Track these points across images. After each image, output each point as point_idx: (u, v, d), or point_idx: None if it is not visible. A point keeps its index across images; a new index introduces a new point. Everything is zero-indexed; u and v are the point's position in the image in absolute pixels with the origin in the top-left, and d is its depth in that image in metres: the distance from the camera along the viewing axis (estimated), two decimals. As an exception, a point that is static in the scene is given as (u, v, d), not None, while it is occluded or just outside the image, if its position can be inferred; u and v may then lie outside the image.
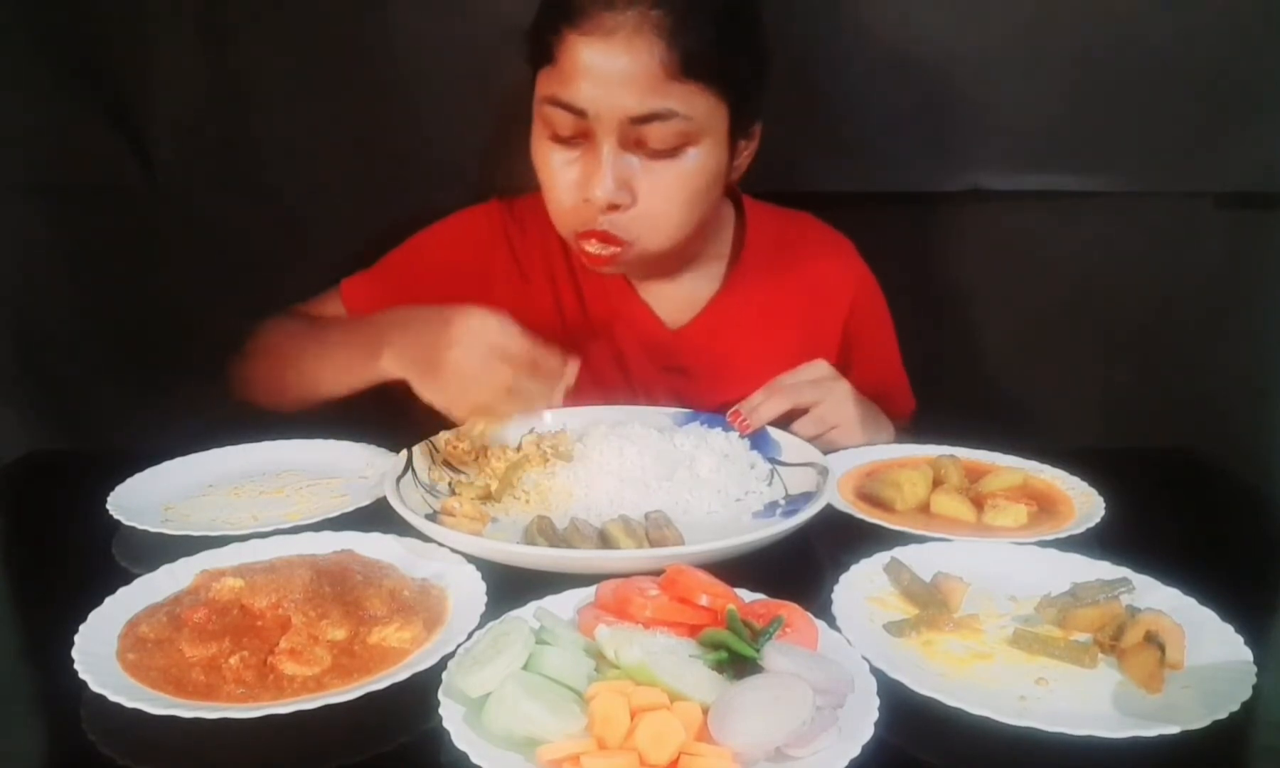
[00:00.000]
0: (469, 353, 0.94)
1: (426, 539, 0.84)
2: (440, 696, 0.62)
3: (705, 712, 0.59)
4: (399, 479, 0.94)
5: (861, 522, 0.92)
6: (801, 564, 0.87)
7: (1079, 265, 1.46)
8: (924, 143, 1.39)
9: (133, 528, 0.90)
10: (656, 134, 1.01)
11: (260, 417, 1.16)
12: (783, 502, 0.98)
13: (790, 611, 0.70)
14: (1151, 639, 0.69)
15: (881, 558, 0.83)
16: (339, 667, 0.68)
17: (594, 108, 1.00)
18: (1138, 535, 0.90)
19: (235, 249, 1.42)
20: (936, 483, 0.99)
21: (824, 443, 1.07)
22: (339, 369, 1.07)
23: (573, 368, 0.99)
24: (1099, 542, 0.88)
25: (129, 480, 1.00)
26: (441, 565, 0.82)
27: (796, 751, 0.57)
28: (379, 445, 1.09)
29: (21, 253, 1.41)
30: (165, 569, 0.80)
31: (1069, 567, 0.81)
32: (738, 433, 1.07)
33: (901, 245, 1.42)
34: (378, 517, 0.89)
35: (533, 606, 0.73)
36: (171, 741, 0.62)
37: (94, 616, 0.73)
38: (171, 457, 1.07)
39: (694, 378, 1.22)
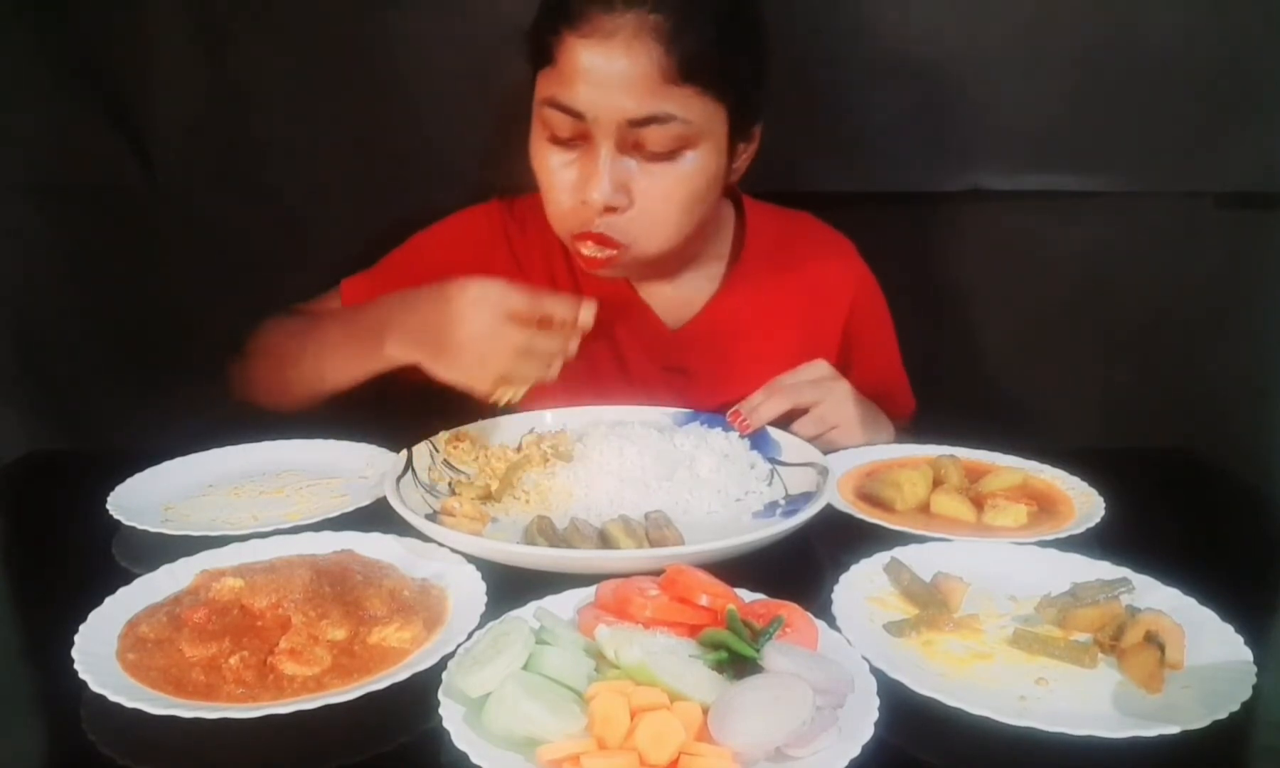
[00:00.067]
0: (477, 324, 0.95)
1: (426, 539, 0.84)
2: (440, 696, 0.62)
3: (705, 712, 0.59)
4: (399, 479, 0.94)
5: (861, 522, 0.92)
6: (801, 564, 0.87)
7: (1079, 265, 1.46)
8: (924, 143, 1.39)
9: (133, 528, 0.90)
10: (654, 137, 1.01)
11: (260, 417, 1.16)
12: (783, 502, 0.98)
13: (790, 611, 0.70)
14: (1151, 639, 0.69)
15: (881, 558, 0.83)
16: (339, 667, 0.68)
17: (592, 110, 1.00)
18: (1138, 535, 0.90)
19: (235, 249, 1.42)
20: (936, 483, 0.99)
21: (824, 443, 1.07)
22: (343, 361, 1.08)
23: (588, 309, 1.00)
24: (1099, 542, 0.88)
25: (129, 480, 1.00)
26: (441, 565, 0.82)
27: (796, 751, 0.57)
28: (379, 445, 1.09)
29: (21, 253, 1.41)
30: (165, 569, 0.80)
31: (1069, 567, 0.81)
32: (738, 433, 1.07)
33: (901, 245, 1.42)
34: (378, 517, 0.89)
35: (533, 606, 0.73)
36: (171, 741, 0.62)
37: (94, 616, 0.73)
38: (171, 457, 1.07)
39: (694, 378, 1.22)
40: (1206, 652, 0.69)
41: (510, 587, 0.77)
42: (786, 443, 1.06)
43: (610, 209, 1.03)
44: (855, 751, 0.57)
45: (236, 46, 1.35)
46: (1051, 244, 1.45)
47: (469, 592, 0.77)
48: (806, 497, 0.94)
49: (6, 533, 1.01)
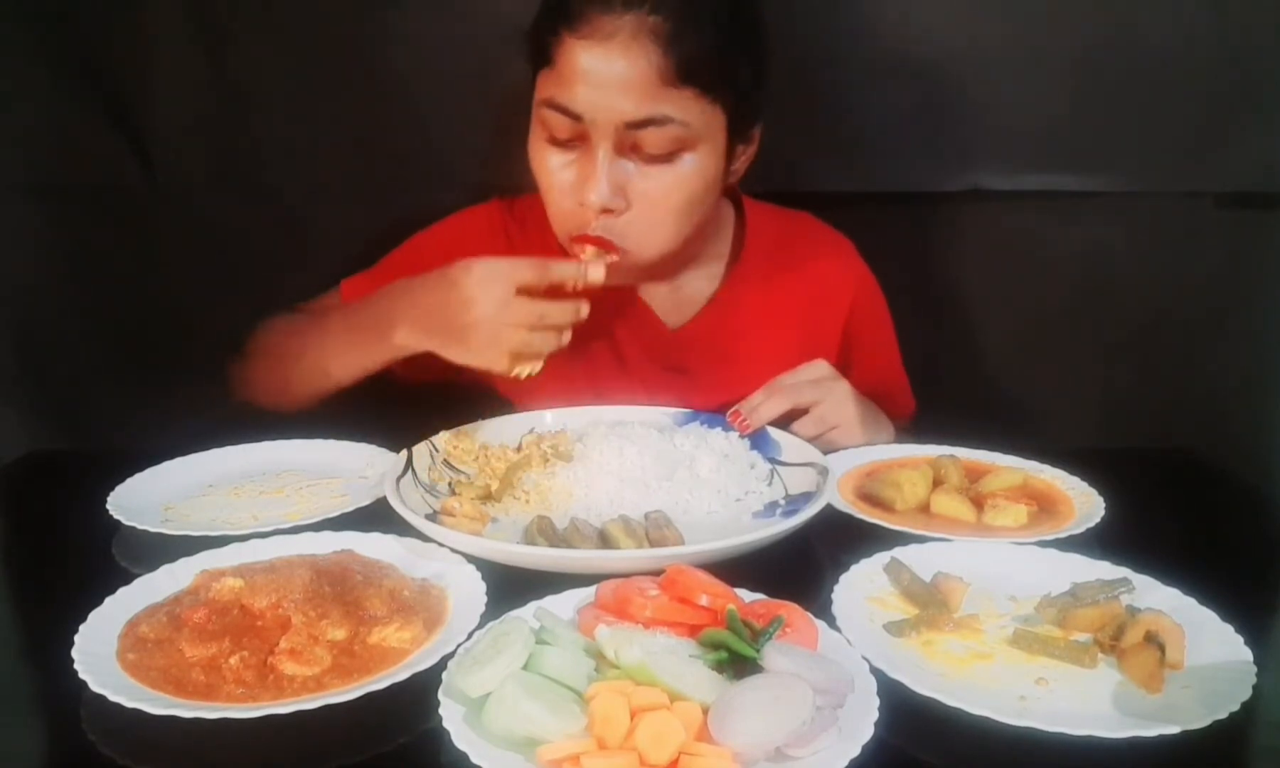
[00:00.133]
0: (488, 303, 0.95)
1: (426, 539, 0.84)
2: (440, 696, 0.62)
3: (705, 712, 0.59)
4: (399, 479, 0.94)
5: (861, 522, 0.92)
6: (801, 564, 0.87)
7: (1079, 265, 1.46)
8: (924, 143, 1.39)
9: (133, 528, 0.90)
10: (652, 139, 1.01)
11: (260, 417, 1.16)
12: (783, 502, 0.98)
13: (790, 611, 0.70)
14: (1151, 639, 0.69)
15: (881, 558, 0.83)
16: (339, 667, 0.68)
17: (590, 112, 1.00)
18: (1138, 535, 0.90)
19: (235, 249, 1.42)
20: (936, 483, 0.99)
21: (824, 443, 1.07)
22: (348, 355, 1.08)
23: (595, 270, 1.01)
24: (1099, 542, 0.88)
25: (129, 480, 1.00)
26: (441, 565, 0.82)
27: (796, 751, 0.57)
28: (379, 445, 1.09)
29: (21, 253, 1.41)
30: (165, 569, 0.80)
31: (1069, 567, 0.81)
32: (738, 433, 1.07)
33: (901, 245, 1.42)
34: (378, 517, 0.89)
35: (533, 606, 0.73)
36: (171, 741, 0.62)
37: (94, 616, 0.73)
38: (171, 457, 1.07)
39: (694, 378, 1.22)
40: (1206, 652, 0.69)
41: (510, 587, 0.77)
42: (786, 443, 1.06)
43: (607, 211, 1.03)
44: (855, 751, 0.57)
45: (236, 46, 1.35)
46: (1051, 244, 1.45)
47: (469, 592, 0.77)
48: (806, 497, 0.94)
49: (6, 533, 1.01)
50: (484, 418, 1.12)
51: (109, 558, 0.89)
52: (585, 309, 1.00)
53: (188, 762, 0.63)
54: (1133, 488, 0.98)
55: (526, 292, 0.97)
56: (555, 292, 1.00)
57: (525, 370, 1.00)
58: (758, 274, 1.23)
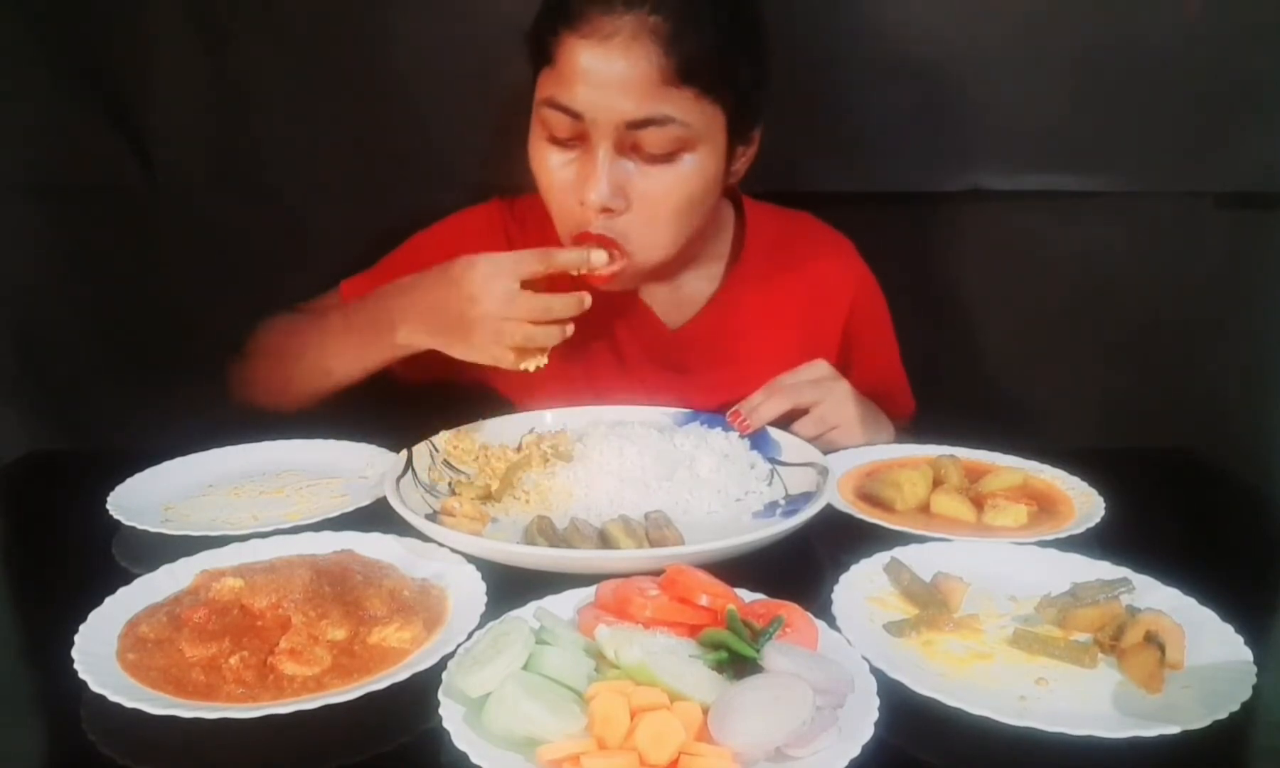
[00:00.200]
0: (492, 298, 0.96)
1: (426, 539, 0.84)
2: (440, 696, 0.62)
3: (705, 712, 0.59)
4: (399, 479, 0.94)
5: (861, 522, 0.92)
6: (801, 564, 0.87)
7: (1079, 265, 1.46)
8: (924, 143, 1.39)
9: (133, 528, 0.90)
10: (653, 139, 1.01)
11: (260, 417, 1.16)
12: (783, 502, 0.98)
13: (790, 611, 0.70)
14: (1151, 639, 0.69)
15: (881, 558, 0.83)
16: (339, 667, 0.68)
17: (591, 111, 1.00)
18: (1138, 535, 0.90)
19: (235, 249, 1.42)
20: (936, 483, 0.99)
21: (824, 443, 1.07)
22: (350, 354, 1.08)
23: (598, 255, 1.02)
24: (1099, 542, 0.88)
25: (129, 480, 1.00)
26: (441, 565, 0.82)
27: (796, 751, 0.57)
28: (379, 445, 1.09)
29: (21, 253, 1.41)
30: (165, 569, 0.80)
31: (1069, 567, 0.81)
32: (738, 433, 1.07)
33: (901, 245, 1.42)
34: (378, 517, 0.89)
35: (533, 606, 0.73)
36: (171, 741, 0.62)
37: (94, 616, 0.73)
38: (171, 457, 1.07)
39: (694, 378, 1.22)
40: (1206, 652, 0.69)
41: (510, 587, 0.77)
42: (786, 443, 1.06)
43: (607, 210, 1.03)
44: (855, 751, 0.57)
45: (236, 46, 1.35)
46: (1051, 244, 1.45)
47: (469, 592, 0.77)
48: (806, 497, 0.94)
49: (6, 533, 1.01)
50: (484, 418, 1.12)
51: (109, 558, 0.89)
52: (588, 300, 1.00)
53: (188, 762, 0.63)
54: (1133, 488, 0.98)
55: (529, 286, 0.97)
56: (556, 285, 1.00)
57: (532, 364, 1.00)
58: (758, 274, 1.23)
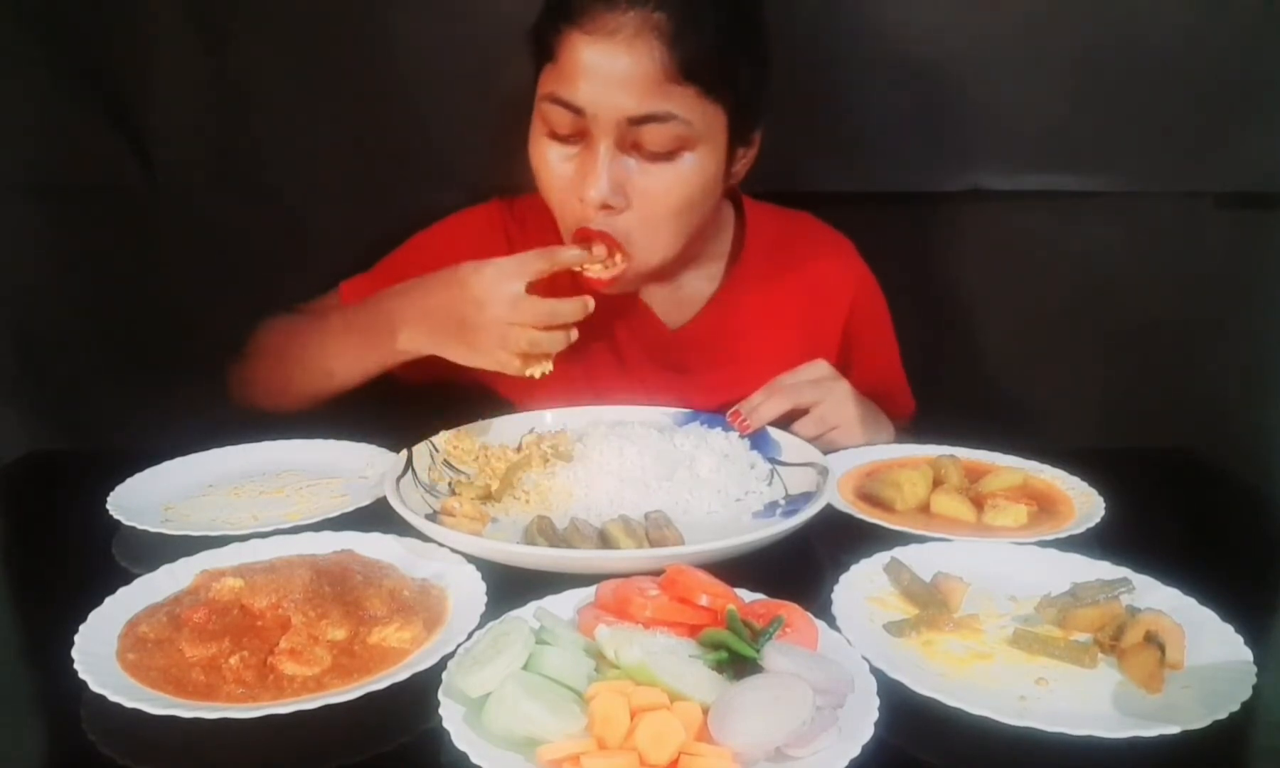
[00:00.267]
0: (499, 303, 0.96)
1: (426, 539, 0.84)
2: (440, 696, 0.62)
3: (705, 712, 0.59)
4: (399, 479, 0.94)
5: (861, 522, 0.92)
6: (801, 564, 0.87)
7: (1079, 265, 1.46)
8: (924, 143, 1.39)
9: (133, 528, 0.90)
10: (653, 136, 1.01)
11: (260, 417, 1.16)
12: (783, 502, 0.98)
13: (790, 611, 0.70)
14: (1151, 639, 0.69)
15: (881, 558, 0.83)
16: (339, 667, 0.68)
17: (592, 107, 1.00)
18: (1138, 535, 0.90)
19: (235, 249, 1.42)
20: (936, 483, 0.99)
21: (824, 443, 1.07)
22: (351, 357, 1.08)
23: (599, 249, 1.02)
24: (1099, 542, 0.88)
25: (129, 480, 1.00)
26: (441, 565, 0.82)
27: (796, 751, 0.57)
28: (379, 445, 1.09)
29: (21, 253, 1.41)
30: (165, 569, 0.80)
31: (1069, 567, 0.81)
32: (738, 433, 1.07)
33: (901, 245, 1.42)
34: (378, 517, 0.90)
35: (533, 606, 0.73)
36: (171, 741, 0.62)
37: (94, 616, 0.73)
38: (171, 457, 1.07)
39: (694, 378, 1.22)
40: (1206, 652, 0.69)
41: (510, 587, 0.77)
42: (786, 443, 1.06)
43: (607, 207, 1.03)
44: (855, 751, 0.57)
45: (236, 46, 1.35)
46: (1051, 244, 1.45)
47: (469, 592, 0.77)
48: (806, 497, 0.94)
49: (6, 533, 1.01)
50: (484, 418, 1.12)
51: (109, 558, 0.89)
52: (591, 304, 1.00)
53: (188, 762, 0.63)
54: (1133, 488, 0.98)
55: (533, 290, 0.97)
56: (558, 288, 1.00)
57: (538, 371, 1.00)
58: (758, 274, 1.23)
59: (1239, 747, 0.64)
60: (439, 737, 0.59)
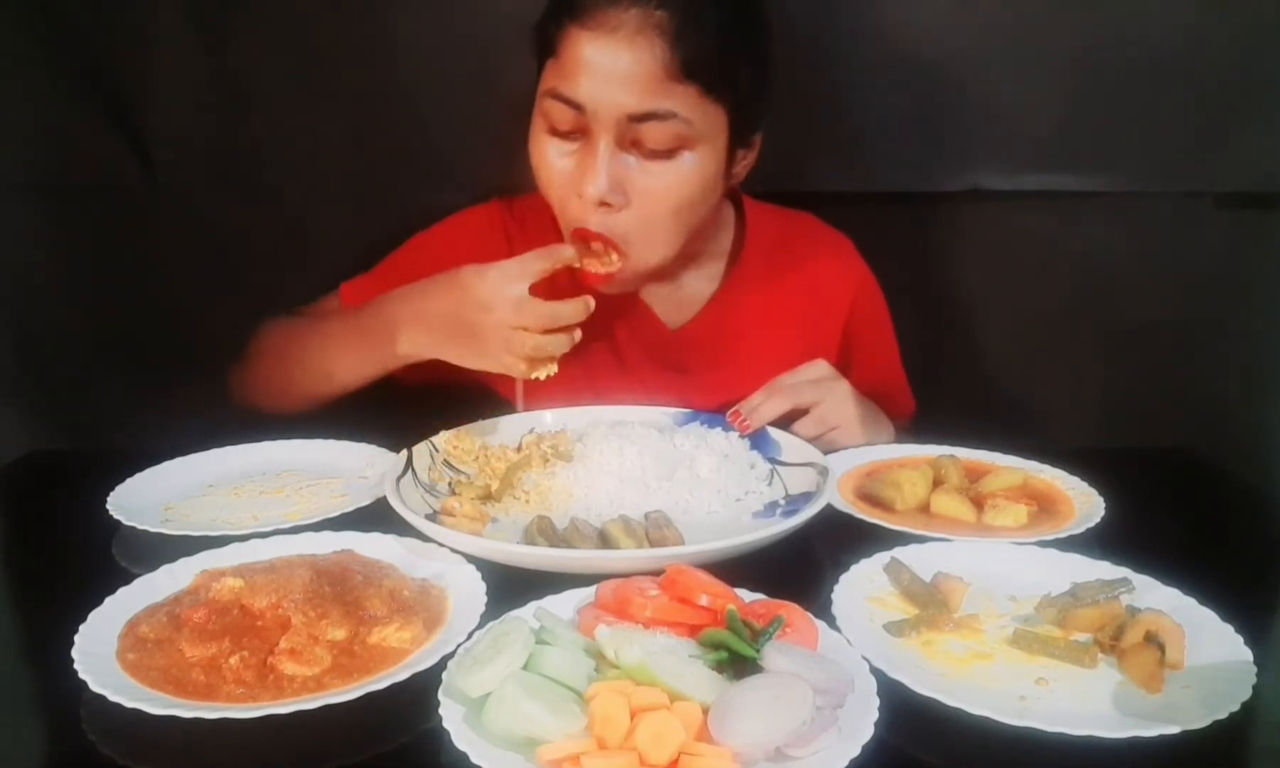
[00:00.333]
0: (503, 306, 0.96)
1: (426, 539, 0.84)
2: (440, 696, 0.62)
3: (705, 712, 0.59)
4: (399, 479, 0.94)
5: (861, 522, 0.92)
6: (801, 564, 0.87)
7: (1079, 265, 1.46)
8: (924, 143, 1.39)
9: (133, 528, 0.90)
10: (654, 134, 1.01)
11: (261, 418, 1.16)
12: (783, 502, 0.98)
13: (790, 611, 0.70)
14: (1151, 639, 0.69)
15: (881, 558, 0.83)
16: (339, 667, 0.68)
17: (592, 103, 1.00)
18: (1138, 535, 0.90)
19: (235, 249, 1.42)
20: (936, 483, 0.99)
21: (824, 443, 1.07)
22: (351, 362, 1.08)
23: (598, 244, 1.01)
24: (1099, 542, 0.88)
25: (129, 480, 1.00)
26: (441, 565, 0.82)
27: (796, 751, 0.57)
28: (379, 445, 1.09)
29: (21, 253, 1.41)
30: (165, 569, 0.80)
31: (1069, 567, 0.81)
32: (738, 433, 1.07)
33: (901, 245, 1.41)
34: (378, 517, 0.90)
35: (533, 606, 0.73)
36: (171, 741, 0.62)
37: (94, 616, 0.73)
38: (171, 457, 1.07)
39: (694, 378, 1.22)
40: (1206, 652, 0.69)
41: (510, 587, 0.77)
42: (786, 443, 1.06)
43: (605, 205, 1.03)
44: (855, 751, 0.57)
45: (236, 46, 1.35)
46: (1051, 244, 1.45)
47: (469, 592, 0.77)
48: (806, 497, 0.94)
49: (6, 533, 1.01)
50: (484, 418, 1.12)
51: (109, 558, 0.89)
52: (592, 304, 1.00)
53: (188, 762, 0.63)
54: (1133, 488, 0.98)
55: (534, 291, 0.97)
56: (557, 288, 1.00)
57: (543, 373, 1.00)
58: (758, 274, 1.23)
59: (1239, 747, 0.64)
60: (439, 737, 0.59)
